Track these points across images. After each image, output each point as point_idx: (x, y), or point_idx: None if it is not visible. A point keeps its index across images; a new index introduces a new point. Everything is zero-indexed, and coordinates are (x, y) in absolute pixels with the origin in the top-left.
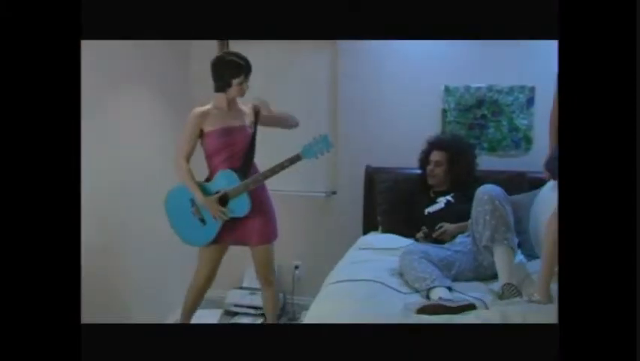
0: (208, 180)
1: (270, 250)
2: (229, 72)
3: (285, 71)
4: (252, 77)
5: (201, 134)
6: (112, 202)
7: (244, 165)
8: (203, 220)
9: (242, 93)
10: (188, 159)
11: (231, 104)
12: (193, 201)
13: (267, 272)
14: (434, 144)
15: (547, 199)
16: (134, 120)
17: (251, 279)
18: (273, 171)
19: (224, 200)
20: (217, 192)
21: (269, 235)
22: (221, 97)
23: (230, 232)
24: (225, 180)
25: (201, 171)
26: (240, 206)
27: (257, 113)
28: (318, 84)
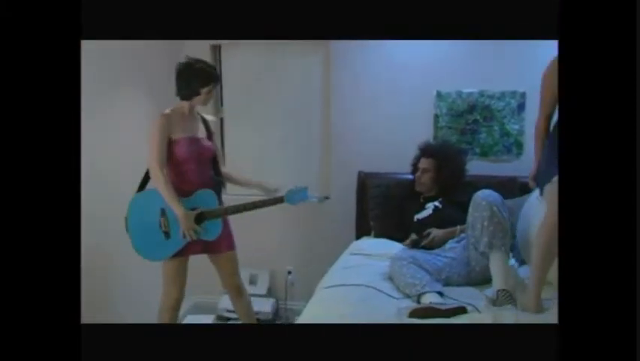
0: (184, 189)
1: (236, 257)
2: (199, 81)
3: (278, 75)
4: (244, 82)
5: (168, 141)
6: (112, 203)
7: (217, 182)
8: (167, 234)
9: (207, 103)
10: (163, 167)
11: (191, 112)
12: (163, 212)
13: (236, 279)
14: (422, 151)
15: (535, 207)
16: (132, 121)
17: (244, 284)
18: (255, 205)
19: (199, 219)
20: (193, 209)
21: (232, 241)
22: (183, 104)
23: (197, 243)
24: (205, 200)
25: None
26: (213, 229)
27: (206, 121)
28: (310, 89)
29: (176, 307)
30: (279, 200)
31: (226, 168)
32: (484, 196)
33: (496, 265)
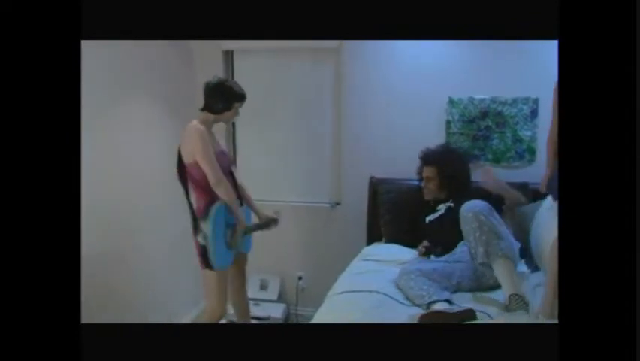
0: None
1: None
2: (234, 96)
3: (289, 81)
4: (256, 88)
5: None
6: (114, 208)
7: (239, 196)
8: (229, 245)
9: (230, 120)
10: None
11: (210, 126)
12: (228, 223)
13: (245, 272)
14: (423, 160)
15: (547, 215)
16: (141, 125)
17: (254, 290)
18: (269, 223)
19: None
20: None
21: None
22: (208, 118)
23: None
24: (245, 216)
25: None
26: (248, 243)
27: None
28: (321, 95)
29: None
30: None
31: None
32: (469, 208)
33: (501, 273)
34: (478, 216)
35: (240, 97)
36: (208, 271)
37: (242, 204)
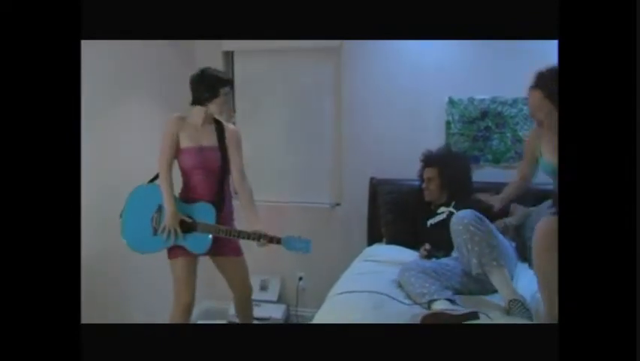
0: (188, 197)
1: (244, 264)
2: (217, 81)
3: (289, 82)
4: (256, 89)
5: (177, 148)
6: (114, 208)
7: (220, 196)
8: (155, 230)
9: (224, 108)
10: (170, 166)
11: (206, 120)
12: (160, 208)
13: (246, 290)
14: (425, 161)
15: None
16: (142, 125)
17: (254, 290)
18: (250, 235)
19: (188, 227)
20: (189, 217)
21: (238, 247)
22: (199, 113)
23: None
24: (203, 213)
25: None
26: (200, 243)
27: (222, 131)
28: (321, 95)
29: (188, 313)
30: (274, 240)
31: (244, 184)
32: (458, 220)
33: (497, 281)
34: (468, 228)
35: (225, 81)
36: (171, 260)
37: (223, 204)
